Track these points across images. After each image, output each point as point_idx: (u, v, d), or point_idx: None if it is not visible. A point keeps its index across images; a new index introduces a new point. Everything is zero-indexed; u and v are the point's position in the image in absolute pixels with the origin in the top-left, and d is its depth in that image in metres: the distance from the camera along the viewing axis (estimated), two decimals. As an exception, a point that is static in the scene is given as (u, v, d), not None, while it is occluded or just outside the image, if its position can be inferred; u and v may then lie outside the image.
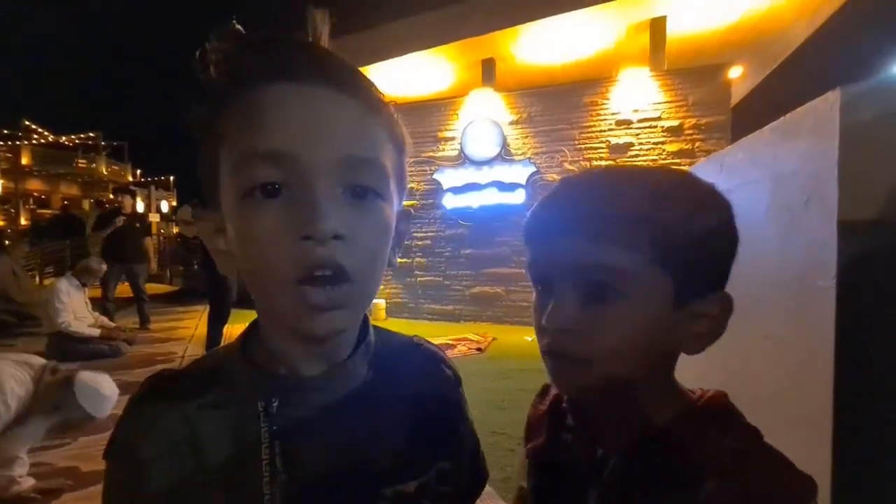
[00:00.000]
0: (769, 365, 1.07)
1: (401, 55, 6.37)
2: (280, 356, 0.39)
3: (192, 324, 5.96)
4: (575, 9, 5.37)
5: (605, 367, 0.39)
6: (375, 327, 0.46)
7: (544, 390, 0.54)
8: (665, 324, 0.38)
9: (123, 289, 5.37)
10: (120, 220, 5.14)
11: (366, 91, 0.36)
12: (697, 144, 5.32)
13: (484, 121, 6.10)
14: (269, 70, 0.33)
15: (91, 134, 25.02)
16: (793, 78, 7.03)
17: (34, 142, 22.26)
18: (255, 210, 0.33)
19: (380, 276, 0.38)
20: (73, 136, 24.99)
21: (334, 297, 0.33)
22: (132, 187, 8.88)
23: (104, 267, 4.61)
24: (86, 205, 23.05)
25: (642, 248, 0.37)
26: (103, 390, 1.98)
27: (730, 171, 1.31)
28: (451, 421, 0.47)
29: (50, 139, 23.63)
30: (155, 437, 0.37)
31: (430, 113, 6.49)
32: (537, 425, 0.52)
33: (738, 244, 0.41)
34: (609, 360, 0.39)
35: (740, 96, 7.70)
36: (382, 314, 6.55)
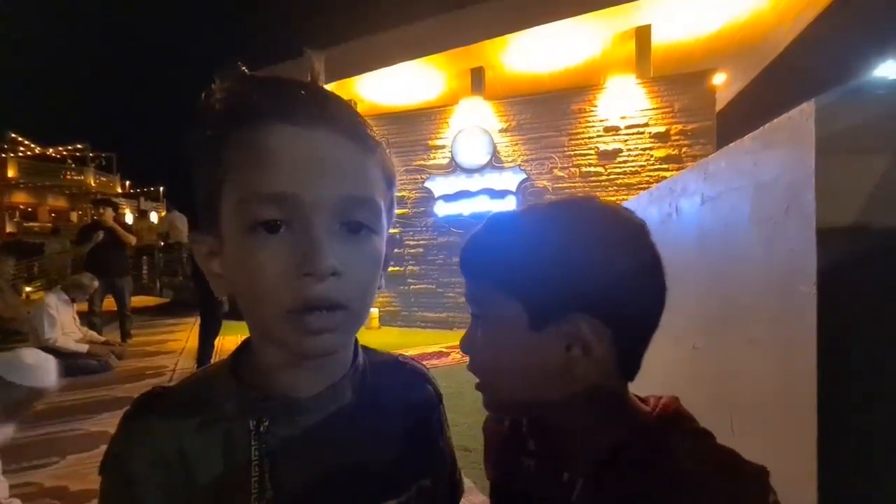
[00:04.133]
0: (754, 368, 1.09)
1: (391, 65, 6.41)
2: (272, 377, 0.40)
3: (183, 336, 5.89)
4: (562, 18, 5.45)
5: (489, 386, 0.46)
6: (363, 347, 0.48)
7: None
8: (532, 345, 0.42)
9: (111, 302, 5.28)
10: (100, 235, 5.01)
11: (362, 132, 0.38)
12: (684, 150, 5.40)
13: (474, 129, 6.14)
14: (273, 111, 0.35)
15: (79, 146, 24.81)
16: (775, 83, 7.17)
17: (20, 154, 22.02)
18: (256, 244, 0.34)
19: (371, 303, 0.41)
20: (60, 148, 24.76)
21: (328, 322, 0.36)
22: (114, 198, 8.67)
23: (96, 283, 4.55)
24: (73, 217, 22.81)
25: (492, 279, 0.43)
26: (24, 360, 1.84)
27: (714, 179, 1.34)
28: (431, 439, 0.49)
29: (37, 151, 23.40)
30: (147, 453, 0.37)
31: (421, 122, 6.53)
32: (496, 447, 0.54)
33: (604, 269, 0.39)
34: (490, 380, 0.45)
35: (724, 102, 7.83)
36: (376, 323, 6.53)
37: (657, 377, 2.07)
